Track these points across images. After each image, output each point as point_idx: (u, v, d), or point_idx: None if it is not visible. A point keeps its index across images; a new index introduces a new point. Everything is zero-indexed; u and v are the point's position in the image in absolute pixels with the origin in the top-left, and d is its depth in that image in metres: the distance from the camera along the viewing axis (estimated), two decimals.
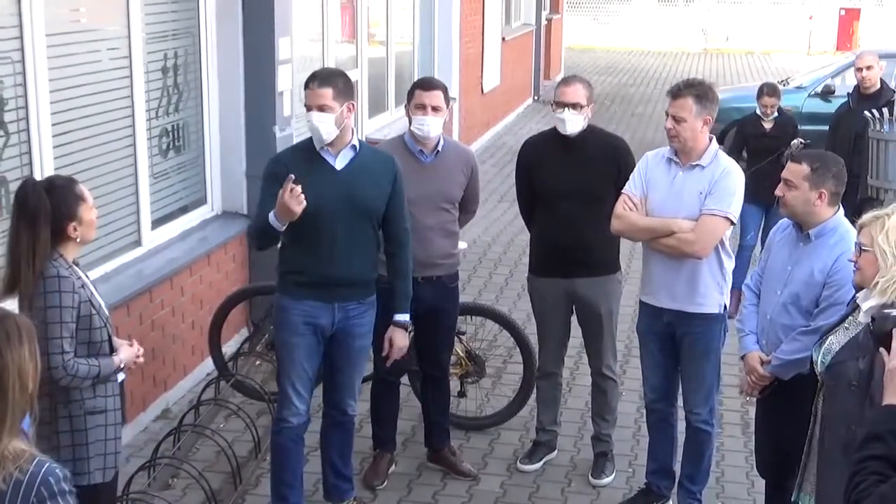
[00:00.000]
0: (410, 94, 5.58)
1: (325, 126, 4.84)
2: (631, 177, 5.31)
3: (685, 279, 5.18)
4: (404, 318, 5.27)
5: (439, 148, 5.61)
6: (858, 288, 3.97)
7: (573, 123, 5.59)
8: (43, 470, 2.59)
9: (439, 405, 6.02)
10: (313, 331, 5.03)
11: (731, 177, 5.14)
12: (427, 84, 5.62)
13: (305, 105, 4.90)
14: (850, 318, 4.02)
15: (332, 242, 4.94)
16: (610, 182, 5.53)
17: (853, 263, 3.93)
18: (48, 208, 3.87)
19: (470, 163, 5.81)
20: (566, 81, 5.73)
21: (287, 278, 5.04)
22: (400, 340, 5.29)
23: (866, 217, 3.94)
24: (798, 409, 4.57)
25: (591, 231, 5.58)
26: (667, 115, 5.16)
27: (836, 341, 3.98)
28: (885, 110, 8.13)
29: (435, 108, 5.48)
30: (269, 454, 5.29)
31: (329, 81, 4.88)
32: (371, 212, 5.03)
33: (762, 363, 4.72)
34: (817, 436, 4.06)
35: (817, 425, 4.07)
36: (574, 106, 5.57)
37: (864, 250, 3.84)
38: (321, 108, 4.83)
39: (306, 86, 4.91)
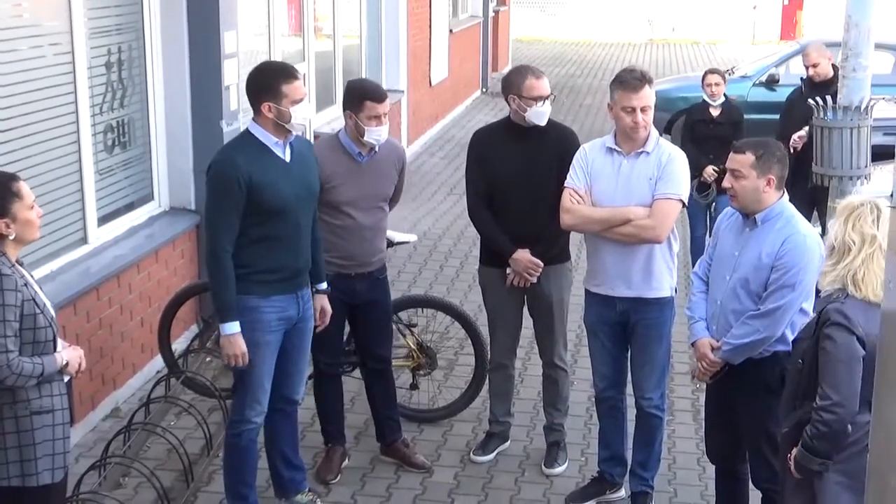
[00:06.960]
0: (358, 104, 5.43)
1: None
2: (571, 170, 5.31)
3: (640, 266, 5.21)
4: (325, 285, 5.35)
5: (375, 147, 5.60)
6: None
7: (548, 114, 5.66)
8: None
9: (386, 398, 6.02)
10: (284, 325, 5.02)
11: (677, 161, 5.21)
12: (378, 95, 5.49)
13: (293, 100, 4.79)
14: None
15: (297, 234, 4.97)
16: (562, 172, 5.47)
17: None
18: None
19: (401, 158, 5.85)
20: (536, 75, 5.68)
21: (252, 278, 4.87)
22: (329, 307, 5.35)
23: (852, 197, 4.12)
24: (749, 394, 4.65)
25: (543, 221, 5.58)
26: (628, 108, 5.09)
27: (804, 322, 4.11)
28: (828, 98, 8.20)
29: (386, 115, 5.48)
30: (226, 455, 5.21)
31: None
32: (317, 196, 5.16)
33: (713, 349, 4.76)
34: None
35: None
36: (547, 97, 5.65)
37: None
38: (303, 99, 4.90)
39: (289, 80, 4.82)
